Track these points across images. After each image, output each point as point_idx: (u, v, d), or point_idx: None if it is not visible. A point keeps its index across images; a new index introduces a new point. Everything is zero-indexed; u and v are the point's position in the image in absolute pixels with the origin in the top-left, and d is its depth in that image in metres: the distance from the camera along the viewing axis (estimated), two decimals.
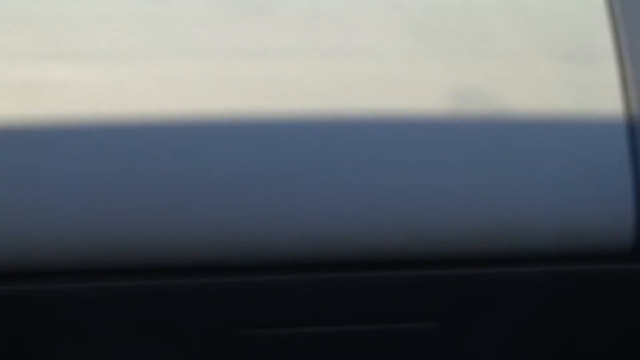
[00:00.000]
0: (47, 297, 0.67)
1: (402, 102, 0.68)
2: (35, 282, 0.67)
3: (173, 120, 0.66)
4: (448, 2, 0.72)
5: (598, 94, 0.69)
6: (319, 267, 0.70)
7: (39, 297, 0.67)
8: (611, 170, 0.68)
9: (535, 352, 0.76)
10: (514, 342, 0.76)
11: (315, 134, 0.67)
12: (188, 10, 0.70)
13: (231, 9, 0.70)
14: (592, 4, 0.73)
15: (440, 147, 0.67)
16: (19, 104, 0.65)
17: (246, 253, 0.68)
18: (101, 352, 0.71)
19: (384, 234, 0.68)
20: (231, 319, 0.71)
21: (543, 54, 0.70)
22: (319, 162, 0.67)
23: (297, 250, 0.68)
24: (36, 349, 0.70)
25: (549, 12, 0.72)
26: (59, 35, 0.67)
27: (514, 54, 0.70)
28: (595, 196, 0.68)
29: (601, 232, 0.69)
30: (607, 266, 0.72)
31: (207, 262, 0.68)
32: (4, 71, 0.66)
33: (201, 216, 0.66)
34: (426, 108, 0.68)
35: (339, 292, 0.71)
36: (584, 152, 0.68)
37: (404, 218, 0.67)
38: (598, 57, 0.70)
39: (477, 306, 0.73)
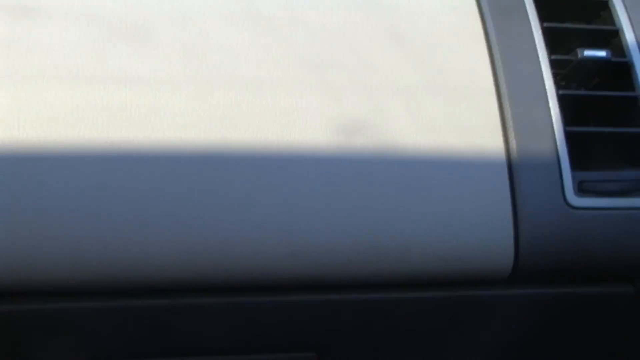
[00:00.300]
0: None
1: (285, 135, 0.67)
2: None
3: (39, 148, 0.63)
4: (334, 34, 0.71)
5: (479, 129, 0.70)
6: (190, 292, 0.68)
7: None
8: (492, 201, 0.69)
9: None
10: None
11: (191, 165, 0.65)
12: (60, 34, 0.67)
13: (108, 34, 0.67)
14: (475, 41, 0.74)
15: (321, 175, 0.67)
16: None
17: (110, 277, 0.65)
18: None
19: (261, 258, 0.66)
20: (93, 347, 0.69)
21: (428, 90, 0.70)
22: (193, 193, 0.65)
23: (169, 274, 0.66)
24: None
25: (434, 48, 0.72)
26: None
27: (399, 88, 0.70)
28: (477, 224, 0.69)
29: (482, 258, 0.70)
30: (487, 291, 0.73)
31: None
32: None
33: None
34: (310, 141, 0.67)
35: (211, 319, 0.70)
36: (466, 184, 0.69)
37: (283, 242, 0.66)
38: (479, 93, 0.71)
39: (358, 333, 0.73)
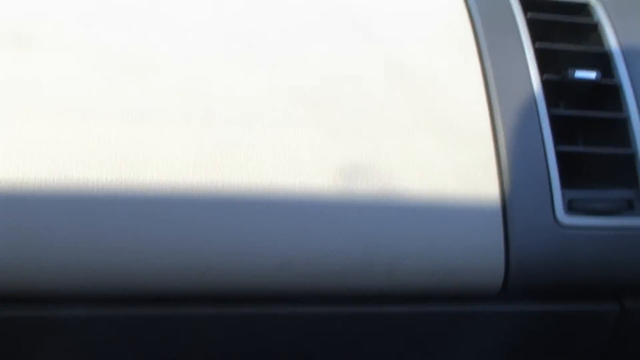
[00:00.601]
0: None
1: (282, 174, 0.67)
2: None
3: (51, 187, 0.63)
4: (334, 69, 0.72)
5: (475, 167, 0.71)
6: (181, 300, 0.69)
7: None
8: (483, 217, 0.70)
9: None
10: None
11: (193, 203, 0.65)
12: (61, 69, 0.66)
13: (106, 68, 0.67)
14: (470, 67, 0.75)
15: (316, 203, 0.67)
16: None
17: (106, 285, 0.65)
18: None
19: (253, 270, 0.67)
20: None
21: (428, 130, 0.71)
22: (189, 215, 0.65)
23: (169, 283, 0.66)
24: None
25: (431, 81, 0.73)
26: None
27: (398, 128, 0.71)
28: (468, 240, 0.70)
29: (472, 274, 0.71)
30: (477, 307, 0.74)
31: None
32: None
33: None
34: (308, 180, 0.67)
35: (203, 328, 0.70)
36: (457, 201, 0.70)
37: (275, 254, 0.67)
38: (476, 135, 0.72)
39: (348, 346, 0.73)
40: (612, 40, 0.80)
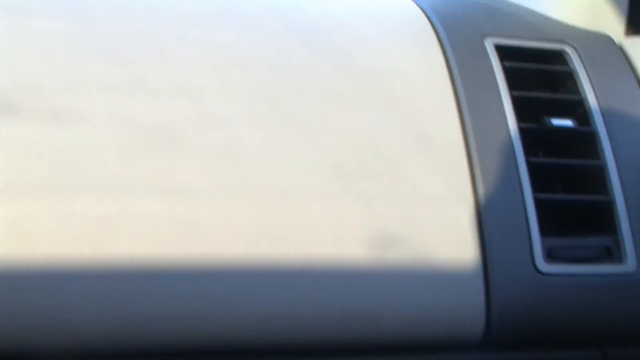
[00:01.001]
0: None
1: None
2: None
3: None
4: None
5: (455, 218, 0.72)
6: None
7: None
8: (463, 267, 0.71)
9: None
10: None
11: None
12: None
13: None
14: (452, 134, 0.75)
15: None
16: None
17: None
18: None
19: (234, 323, 0.66)
20: None
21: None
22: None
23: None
24: None
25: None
26: None
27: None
28: (449, 290, 0.70)
29: (454, 324, 0.71)
30: (458, 356, 0.74)
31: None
32: None
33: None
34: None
35: None
36: (438, 250, 0.70)
37: (256, 307, 0.67)
38: (455, 185, 0.73)
39: None
40: (587, 88, 0.81)
